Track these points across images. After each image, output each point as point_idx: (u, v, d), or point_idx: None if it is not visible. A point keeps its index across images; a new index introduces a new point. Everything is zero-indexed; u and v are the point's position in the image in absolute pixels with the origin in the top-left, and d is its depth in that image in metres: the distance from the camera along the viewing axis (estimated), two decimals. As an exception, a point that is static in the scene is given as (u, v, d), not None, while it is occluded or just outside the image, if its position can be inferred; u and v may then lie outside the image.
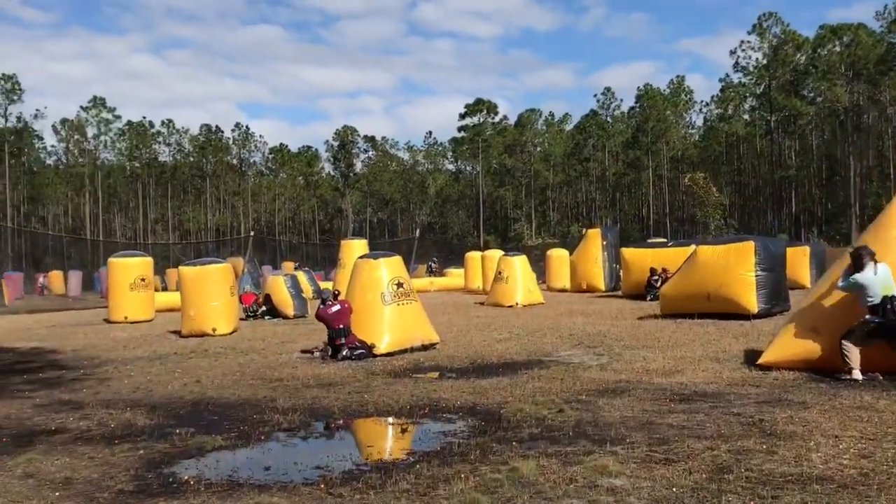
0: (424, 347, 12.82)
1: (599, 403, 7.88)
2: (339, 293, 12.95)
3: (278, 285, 21.69)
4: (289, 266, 46.77)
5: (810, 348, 9.20)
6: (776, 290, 16.28)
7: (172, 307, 24.51)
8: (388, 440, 7.14)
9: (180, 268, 18.20)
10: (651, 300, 22.46)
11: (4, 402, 9.22)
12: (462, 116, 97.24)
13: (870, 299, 8.48)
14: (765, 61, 74.67)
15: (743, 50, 76.09)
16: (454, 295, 31.82)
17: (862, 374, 8.57)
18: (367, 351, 12.22)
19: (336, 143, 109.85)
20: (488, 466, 5.62)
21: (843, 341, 8.59)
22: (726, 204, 64.91)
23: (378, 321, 12.52)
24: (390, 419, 7.66)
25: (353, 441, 7.35)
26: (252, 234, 36.82)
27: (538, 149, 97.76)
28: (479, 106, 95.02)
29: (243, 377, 10.65)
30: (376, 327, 12.47)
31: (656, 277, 22.79)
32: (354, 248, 27.64)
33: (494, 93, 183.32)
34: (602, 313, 19.17)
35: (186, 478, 5.64)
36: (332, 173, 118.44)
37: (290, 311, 21.22)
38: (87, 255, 72.00)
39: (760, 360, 9.62)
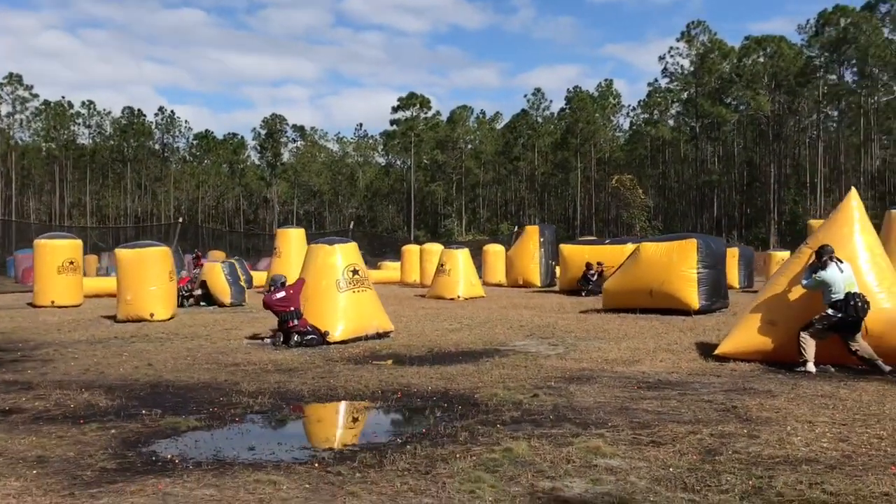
0: (379, 336, 12.71)
1: (570, 389, 7.95)
2: (285, 280, 12.70)
3: (216, 272, 21.15)
4: (217, 255, 45.69)
5: (766, 340, 9.50)
6: (716, 287, 16.76)
7: (98, 293, 23.75)
8: (369, 422, 7.02)
9: (116, 250, 17.56)
10: (586, 295, 22.90)
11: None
12: (395, 110, 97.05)
13: (833, 296, 8.80)
14: (692, 68, 76.88)
15: (672, 56, 78.27)
16: (391, 287, 31.62)
17: (815, 365, 8.89)
18: (320, 337, 12.03)
19: (264, 132, 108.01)
20: (481, 447, 5.59)
21: (801, 333, 8.89)
22: (651, 206, 66.52)
23: (333, 308, 12.33)
24: (365, 402, 7.56)
25: (333, 423, 7.23)
26: (180, 220, 35.92)
27: (469, 146, 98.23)
28: (412, 100, 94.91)
29: (196, 361, 10.34)
30: (331, 314, 12.28)
31: (592, 272, 23.18)
32: (292, 236, 27.18)
33: (422, 88, 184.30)
34: (544, 307, 19.38)
35: (170, 456, 5.43)
36: (258, 162, 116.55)
37: (227, 299, 20.73)
38: (-2, 238, 68.86)
39: (717, 351, 9.89)
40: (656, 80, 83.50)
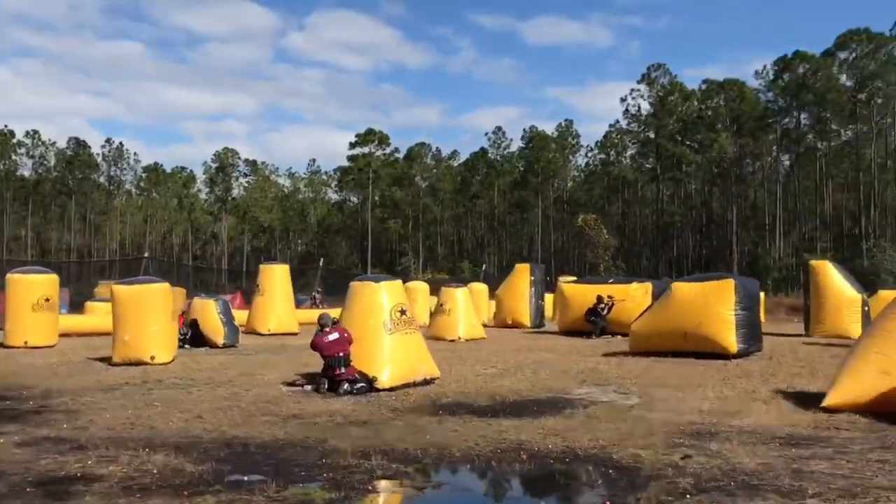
0: (426, 382, 11.68)
1: (713, 448, 7.06)
2: (337, 321, 11.56)
3: (208, 311, 19.76)
4: (179, 293, 43.74)
5: (880, 391, 8.79)
6: (753, 329, 16.15)
7: (65, 332, 21.94)
8: (531, 490, 5.92)
9: (113, 286, 16.13)
10: (598, 336, 22.11)
11: (-30, 440, 7.41)
12: (352, 146, 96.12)
13: None
14: (652, 110, 78.05)
15: (633, 98, 79.36)
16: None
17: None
18: (368, 385, 10.96)
19: (215, 165, 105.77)
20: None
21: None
22: (616, 246, 66.74)
23: (379, 352, 11.27)
24: (502, 465, 6.48)
25: (498, 495, 6.08)
26: (146, 255, 34.25)
27: (426, 183, 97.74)
28: (370, 136, 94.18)
29: (248, 413, 9.16)
30: (377, 358, 11.20)
31: (603, 305, 22.45)
32: (276, 273, 25.94)
33: (364, 126, 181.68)
34: (560, 349, 18.52)
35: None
36: (205, 197, 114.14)
37: (221, 339, 19.33)
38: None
39: (825, 403, 9.11)
40: (617, 122, 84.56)
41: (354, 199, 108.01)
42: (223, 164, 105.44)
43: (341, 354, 10.91)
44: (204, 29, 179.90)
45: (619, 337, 22.12)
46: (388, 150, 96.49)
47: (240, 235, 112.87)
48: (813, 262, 24.30)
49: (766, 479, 5.86)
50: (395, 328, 11.47)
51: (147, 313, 15.16)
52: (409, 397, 10.49)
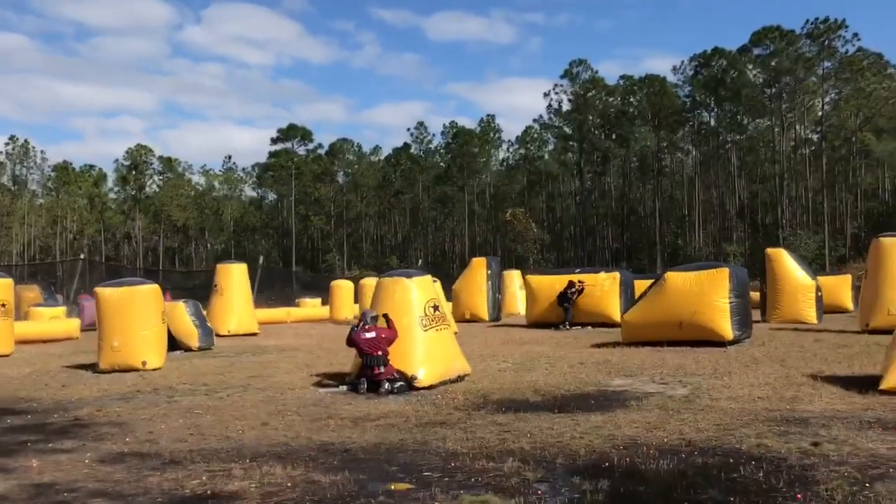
0: (460, 379, 11.39)
1: (822, 434, 7.05)
2: (377, 317, 11.09)
3: (178, 313, 18.83)
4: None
5: (938, 372, 9.03)
6: (745, 317, 16.46)
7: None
8: (719, 489, 5.62)
9: (97, 289, 15.13)
10: (567, 328, 22.22)
11: (42, 462, 6.71)
12: (274, 141, 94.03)
13: None
14: (574, 104, 79.32)
15: (556, 93, 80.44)
16: (326, 326, 29.88)
17: None
18: (407, 384, 10.60)
19: (128, 163, 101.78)
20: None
21: None
22: (544, 239, 67.52)
23: (415, 350, 10.90)
24: (657, 464, 6.23)
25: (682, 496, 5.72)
26: (82, 257, 32.55)
27: (349, 179, 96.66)
28: (293, 132, 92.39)
29: (312, 417, 8.68)
30: (414, 357, 10.84)
31: (574, 290, 22.55)
32: (234, 272, 25.09)
33: (265, 122, 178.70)
34: (548, 342, 18.45)
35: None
36: (115, 196, 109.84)
37: (195, 343, 18.50)
38: None
39: (883, 386, 9.30)
40: (541, 117, 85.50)
41: (273, 197, 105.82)
42: (136, 162, 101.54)
43: (379, 353, 10.50)
44: (94, 21, 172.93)
45: (589, 328, 22.34)
46: (310, 146, 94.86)
47: (152, 235, 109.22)
48: (769, 251, 24.99)
49: (916, 464, 5.86)
50: (430, 325, 11.15)
51: (136, 316, 14.34)
52: (454, 395, 10.17)
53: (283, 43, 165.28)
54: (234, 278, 24.90)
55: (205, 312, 20.52)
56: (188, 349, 18.38)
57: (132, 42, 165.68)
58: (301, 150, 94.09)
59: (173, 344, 18.55)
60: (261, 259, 39.61)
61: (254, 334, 24.00)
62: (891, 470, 5.72)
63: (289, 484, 5.68)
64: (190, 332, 18.64)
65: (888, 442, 6.70)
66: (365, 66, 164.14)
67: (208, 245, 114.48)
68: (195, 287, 47.54)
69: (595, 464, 6.21)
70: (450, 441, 7.15)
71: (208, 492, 5.53)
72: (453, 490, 5.44)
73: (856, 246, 68.20)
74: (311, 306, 37.01)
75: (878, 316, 17.97)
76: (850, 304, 28.94)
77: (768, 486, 5.37)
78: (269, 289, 53.85)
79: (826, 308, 25.14)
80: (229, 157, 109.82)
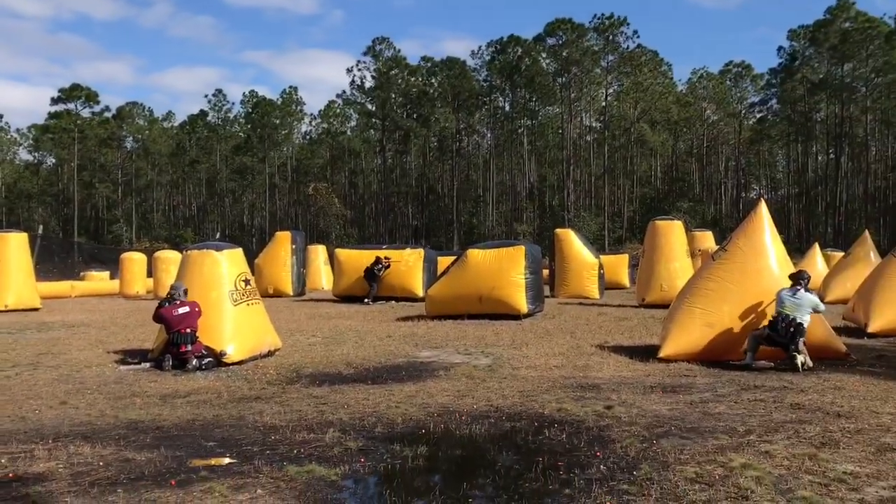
0: (270, 353, 11.31)
1: (613, 398, 7.78)
2: (186, 290, 10.67)
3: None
4: None
5: (707, 341, 10.20)
6: (538, 292, 17.55)
7: None
8: (527, 450, 6.02)
9: None
10: (372, 302, 22.53)
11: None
12: (55, 101, 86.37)
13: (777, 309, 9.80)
14: (377, 82, 79.58)
15: (359, 70, 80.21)
16: (117, 300, 28.26)
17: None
18: (216, 360, 10.38)
19: None
20: (694, 467, 5.27)
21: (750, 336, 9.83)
22: (347, 215, 67.48)
23: (225, 325, 10.68)
24: (471, 428, 6.58)
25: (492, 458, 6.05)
26: None
27: (139, 145, 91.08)
28: (77, 92, 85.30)
29: (115, 395, 8.31)
30: (222, 332, 10.62)
31: (380, 266, 22.88)
32: (11, 242, 22.99)
33: (41, 79, 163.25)
34: (356, 316, 18.64)
35: None
36: None
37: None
38: None
39: (661, 354, 10.36)
40: (344, 92, 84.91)
41: (52, 161, 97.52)
42: None
43: (188, 330, 10.19)
44: None
45: (393, 302, 22.80)
46: (96, 109, 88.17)
47: None
48: (558, 231, 26.64)
49: (693, 422, 6.65)
50: (241, 299, 10.96)
51: None
52: (266, 369, 10.12)
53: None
54: (12, 249, 22.83)
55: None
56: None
57: None
58: (85, 113, 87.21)
59: (-59, 320, 16.96)
60: (40, 228, 36.48)
61: (35, 309, 22.24)
62: (672, 428, 6.47)
63: (100, 463, 5.49)
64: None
65: (668, 404, 7.53)
66: (155, 25, 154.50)
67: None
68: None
69: (413, 431, 6.51)
70: (267, 415, 7.17)
71: (10, 475, 5.22)
72: (276, 462, 5.50)
73: (631, 228, 74.23)
74: (98, 279, 34.80)
75: (653, 292, 19.82)
76: (627, 281, 31.54)
77: (571, 446, 5.90)
78: (49, 261, 50.04)
79: (607, 285, 27.25)
80: (0, 117, 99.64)
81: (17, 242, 23.14)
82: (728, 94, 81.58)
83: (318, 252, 34.98)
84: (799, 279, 9.92)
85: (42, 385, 8.97)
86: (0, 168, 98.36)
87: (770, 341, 9.74)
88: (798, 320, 9.56)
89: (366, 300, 22.89)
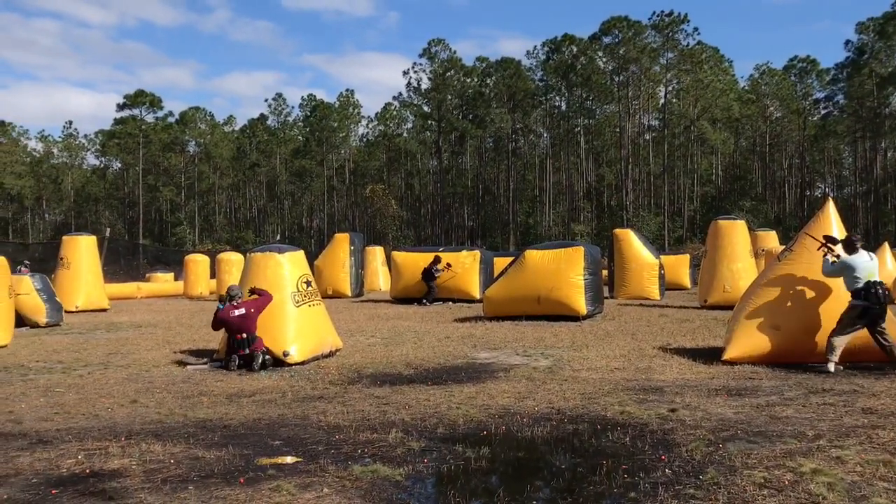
0: (331, 354, 11.46)
1: (677, 401, 7.68)
2: (241, 295, 10.86)
3: (24, 287, 17.75)
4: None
5: (771, 343, 9.97)
6: (598, 293, 17.40)
7: None
8: (594, 454, 5.99)
9: (-67, 261, 14.01)
10: (430, 303, 22.63)
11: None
12: (120, 107, 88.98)
13: (856, 284, 9.41)
14: (433, 84, 79.91)
15: (415, 71, 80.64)
16: (181, 301, 28.95)
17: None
18: (274, 359, 10.55)
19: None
20: (762, 472, 5.16)
21: (832, 338, 9.42)
22: (404, 216, 67.91)
23: (287, 326, 10.86)
24: (534, 431, 6.57)
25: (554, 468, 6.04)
26: None
27: (201, 149, 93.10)
28: (141, 98, 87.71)
29: (184, 395, 8.53)
30: (285, 333, 10.79)
31: (438, 267, 22.97)
32: (82, 245, 23.82)
33: (106, 85, 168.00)
34: (413, 317, 18.78)
35: None
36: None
37: (42, 318, 17.58)
38: None
39: (725, 357, 10.16)
40: (401, 94, 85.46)
41: (118, 166, 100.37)
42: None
43: (245, 336, 10.34)
44: None
45: (450, 303, 22.86)
46: (160, 114, 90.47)
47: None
48: (617, 231, 26.39)
49: (760, 426, 6.51)
50: (303, 300, 11.13)
51: (-21, 291, 13.44)
52: (328, 370, 10.25)
53: (126, 2, 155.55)
54: (83, 251, 23.67)
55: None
56: (35, 325, 17.44)
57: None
58: (150, 118, 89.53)
59: (18, 320, 17.58)
60: (107, 231, 37.54)
61: (104, 310, 22.98)
62: (739, 432, 6.34)
63: (171, 460, 5.62)
64: (37, 307, 17.71)
65: (734, 407, 7.39)
66: (215, 30, 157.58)
67: (46, 216, 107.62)
68: (32, 261, 44.70)
69: (474, 432, 6.51)
70: (330, 415, 7.26)
71: (87, 470, 5.39)
72: (341, 462, 5.57)
73: (692, 227, 73.01)
74: (163, 281, 35.71)
75: (716, 293, 19.47)
76: (688, 282, 31.06)
77: (634, 449, 5.84)
78: (115, 262, 51.52)
79: (667, 285, 26.87)
80: (70, 123, 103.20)
81: (87, 245, 23.95)
82: (792, 89, 79.59)
83: (376, 254, 35.31)
84: (855, 242, 9.64)
85: (113, 384, 9.25)
86: (69, 173, 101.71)
87: (867, 317, 9.31)
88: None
89: (424, 301, 23.02)
